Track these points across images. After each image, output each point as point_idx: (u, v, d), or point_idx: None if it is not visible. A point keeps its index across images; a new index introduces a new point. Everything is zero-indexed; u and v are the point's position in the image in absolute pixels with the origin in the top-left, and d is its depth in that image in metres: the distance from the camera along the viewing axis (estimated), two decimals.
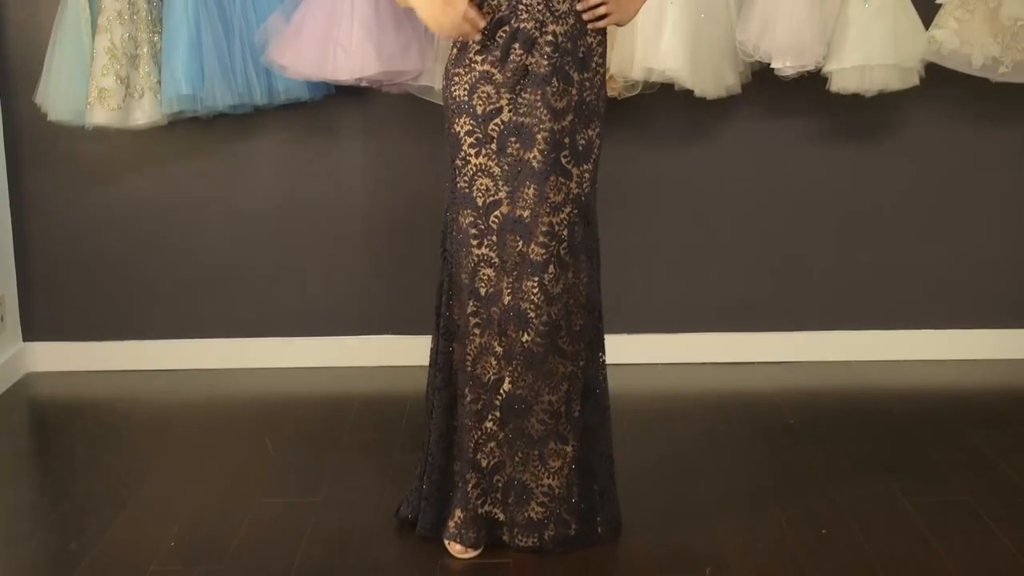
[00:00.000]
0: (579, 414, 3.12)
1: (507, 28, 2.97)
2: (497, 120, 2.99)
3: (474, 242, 3.04)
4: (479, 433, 3.11)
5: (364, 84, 4.03)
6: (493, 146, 3.00)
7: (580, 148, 3.05)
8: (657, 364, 4.51)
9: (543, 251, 3.00)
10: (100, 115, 4.01)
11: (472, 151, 3.02)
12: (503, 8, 2.96)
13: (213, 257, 4.49)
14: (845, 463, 3.65)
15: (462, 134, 3.03)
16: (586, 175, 3.06)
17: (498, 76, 2.99)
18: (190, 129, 4.32)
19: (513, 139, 2.99)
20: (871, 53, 3.96)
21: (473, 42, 2.99)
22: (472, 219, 3.03)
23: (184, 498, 3.48)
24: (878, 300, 4.51)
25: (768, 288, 4.50)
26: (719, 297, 4.51)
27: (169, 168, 4.42)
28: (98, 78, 3.99)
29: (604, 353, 3.21)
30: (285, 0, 4.07)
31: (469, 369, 3.10)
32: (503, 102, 2.99)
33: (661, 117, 4.36)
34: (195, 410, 4.22)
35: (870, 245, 4.47)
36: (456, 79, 3.03)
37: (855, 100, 4.11)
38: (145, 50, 4.06)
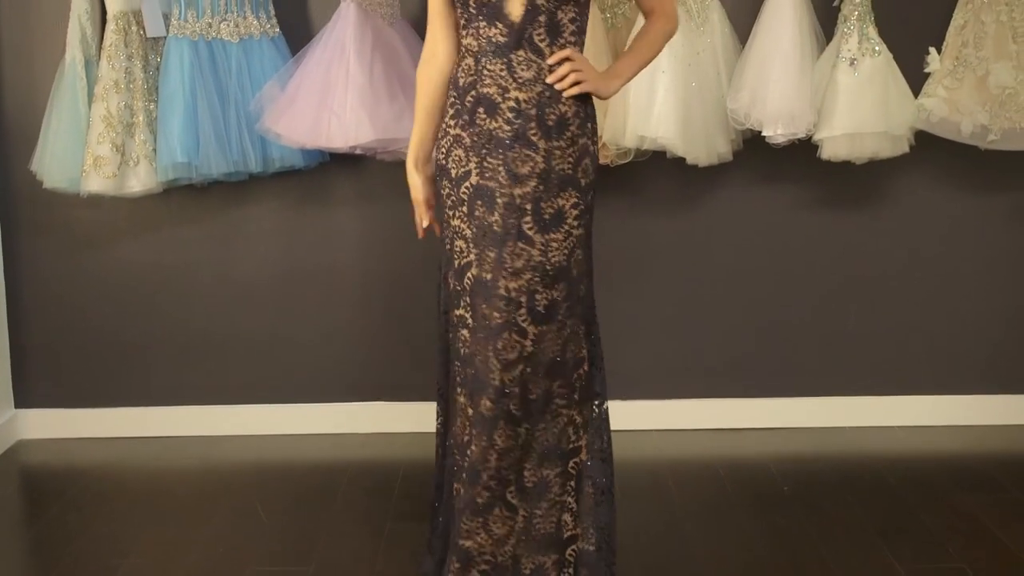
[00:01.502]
0: (533, 484, 3.05)
1: (474, 93, 3.00)
2: (467, 183, 3.01)
3: (455, 302, 3.06)
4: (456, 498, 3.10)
5: (358, 151, 4.06)
6: (464, 208, 3.02)
7: (547, 216, 3.02)
8: (650, 431, 4.49)
9: (499, 316, 3.00)
10: (95, 183, 4.03)
11: (450, 213, 3.06)
12: (471, 73, 3.00)
13: (206, 323, 4.49)
14: (839, 530, 3.63)
15: (444, 196, 3.07)
16: (554, 244, 3.01)
17: (467, 140, 3.01)
18: (185, 196, 4.34)
19: (479, 202, 3.00)
20: (861, 121, 4.00)
21: (448, 107, 3.05)
22: (453, 281, 3.06)
23: (177, 566, 3.46)
24: (871, 366, 4.51)
25: (761, 354, 4.51)
26: (712, 363, 4.52)
27: (163, 235, 4.44)
28: (94, 146, 4.01)
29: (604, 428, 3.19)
30: (280, 68, 4.11)
31: (454, 430, 3.10)
32: (471, 165, 3.01)
33: (653, 184, 4.38)
34: (188, 477, 4.20)
35: (863, 311, 4.48)
36: (438, 143, 3.10)
37: (846, 167, 4.14)
38: (141, 118, 4.09)
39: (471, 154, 3.00)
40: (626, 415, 4.41)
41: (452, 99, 3.06)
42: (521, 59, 2.97)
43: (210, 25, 4.10)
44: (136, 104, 4.09)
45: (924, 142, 4.13)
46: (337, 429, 4.52)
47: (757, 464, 4.18)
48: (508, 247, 2.98)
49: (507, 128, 2.98)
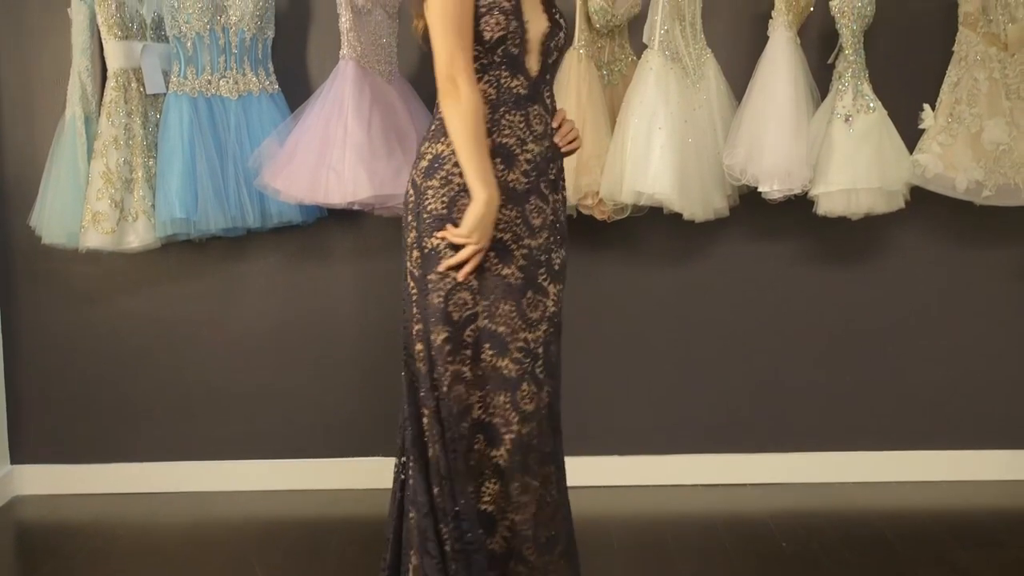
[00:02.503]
0: (546, 540, 3.05)
1: (488, 143, 2.99)
2: None
3: (449, 358, 3.02)
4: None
5: (356, 207, 4.07)
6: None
7: (556, 267, 3.06)
8: (649, 486, 4.47)
9: (517, 368, 2.99)
10: (94, 238, 4.04)
11: (440, 268, 3.02)
12: (487, 122, 2.99)
13: (203, 379, 4.48)
14: None
15: (441, 247, 2.99)
16: (560, 295, 3.07)
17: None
18: (182, 251, 4.35)
19: (492, 253, 2.99)
20: (857, 177, 4.01)
21: (450, 153, 2.97)
22: (447, 335, 3.01)
23: None
24: (870, 421, 4.50)
25: (758, 408, 4.50)
26: (709, 418, 4.51)
27: (161, 290, 4.44)
28: (93, 202, 4.03)
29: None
30: (279, 125, 4.13)
31: (427, 484, 3.05)
32: None
33: (650, 239, 4.39)
34: (183, 533, 4.17)
35: (860, 366, 4.48)
36: (431, 192, 2.98)
37: (842, 223, 4.15)
38: (140, 174, 4.11)
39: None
40: (624, 470, 4.40)
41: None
42: (536, 113, 3.02)
43: (209, 82, 4.13)
44: (135, 160, 4.11)
45: (919, 198, 4.15)
46: (333, 485, 4.50)
47: (756, 520, 4.17)
48: (527, 299, 2.99)
49: (524, 180, 3.00)
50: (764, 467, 4.50)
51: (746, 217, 4.28)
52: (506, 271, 2.99)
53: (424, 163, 3.02)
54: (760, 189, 4.06)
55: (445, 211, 2.97)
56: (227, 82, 4.15)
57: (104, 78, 4.14)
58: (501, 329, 2.99)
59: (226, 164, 4.12)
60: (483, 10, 2.94)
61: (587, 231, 4.18)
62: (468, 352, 3.00)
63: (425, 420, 3.01)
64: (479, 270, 2.98)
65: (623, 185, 4.00)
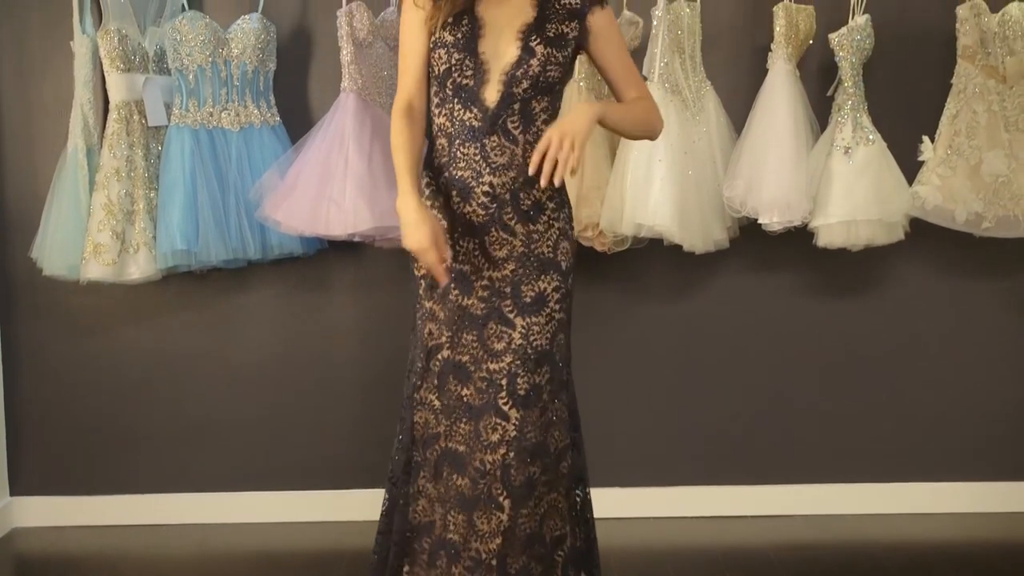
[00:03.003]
0: (515, 572, 3.01)
1: (446, 175, 3.02)
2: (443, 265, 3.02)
3: (418, 383, 3.05)
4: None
5: (357, 239, 4.07)
6: (438, 291, 3.04)
7: (527, 299, 3.05)
8: (648, 518, 4.47)
9: (479, 398, 3.00)
10: (95, 270, 4.04)
11: (424, 295, 3.08)
12: (444, 154, 3.02)
13: (204, 410, 4.48)
14: None
15: (419, 278, 3.09)
16: (535, 328, 3.03)
17: (443, 221, 3.03)
18: (183, 282, 4.35)
19: (454, 285, 3.02)
20: (856, 209, 4.02)
21: (425, 187, 3.05)
22: (421, 362, 3.05)
23: None
24: (870, 452, 4.49)
25: (759, 441, 4.49)
26: (710, 449, 4.50)
27: (162, 321, 4.44)
28: (94, 234, 4.03)
29: (588, 512, 3.20)
30: (280, 157, 4.14)
31: (409, 515, 3.12)
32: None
33: (650, 271, 4.40)
34: (185, 566, 4.16)
35: (861, 397, 4.48)
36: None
37: (842, 254, 4.16)
38: (141, 206, 4.11)
39: (446, 235, 3.02)
40: (624, 502, 4.39)
41: (427, 179, 3.08)
42: (495, 144, 3.01)
43: (211, 114, 4.14)
44: (137, 192, 4.11)
45: (919, 229, 4.16)
46: (335, 517, 4.48)
47: (756, 552, 4.15)
48: (488, 329, 3.00)
49: (481, 212, 3.02)
50: (765, 499, 4.49)
51: (746, 249, 4.28)
52: (467, 301, 3.03)
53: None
54: (760, 221, 4.07)
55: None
56: (229, 114, 4.16)
57: (106, 110, 4.15)
58: (464, 359, 3.01)
59: (227, 196, 4.12)
60: (431, 46, 3.04)
61: (587, 263, 4.18)
62: (435, 381, 3.03)
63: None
64: (443, 300, 3.01)
65: (623, 217, 4.01)
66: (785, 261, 4.38)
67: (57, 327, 4.43)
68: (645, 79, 4.04)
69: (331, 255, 4.34)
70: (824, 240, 4.09)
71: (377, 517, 4.41)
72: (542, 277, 3.06)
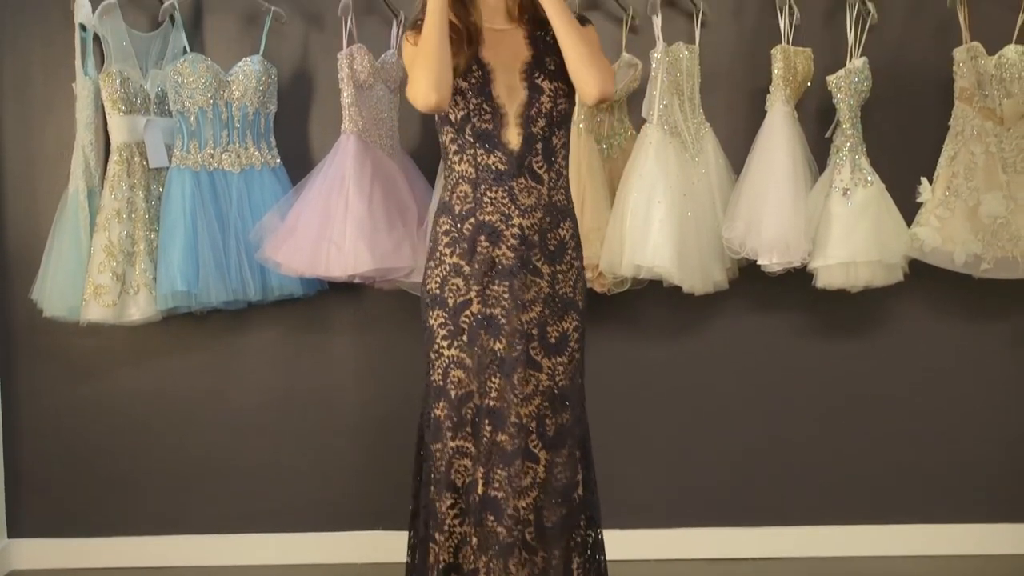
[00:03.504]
0: None
1: (473, 221, 3.03)
2: (467, 312, 3.04)
3: (447, 434, 3.04)
4: None
5: (357, 280, 4.08)
6: (464, 338, 3.04)
7: (552, 341, 3.07)
8: (648, 560, 4.45)
9: (511, 442, 3.00)
10: (95, 311, 4.04)
11: (445, 343, 3.06)
12: (469, 200, 3.03)
13: (204, 451, 4.47)
14: None
15: (435, 327, 3.08)
16: (560, 367, 3.07)
17: (466, 268, 3.04)
18: (183, 323, 4.35)
19: (482, 331, 3.03)
20: (855, 250, 4.03)
21: (443, 235, 3.06)
22: (447, 411, 3.04)
23: None
24: (869, 494, 4.48)
25: (759, 482, 4.48)
26: (709, 491, 4.49)
27: (162, 362, 4.44)
28: (95, 275, 4.03)
29: (598, 553, 3.19)
30: (280, 198, 4.15)
31: (449, 560, 3.08)
32: (472, 294, 3.04)
33: (650, 312, 4.40)
34: None
35: (861, 438, 4.47)
36: (429, 273, 3.11)
37: (841, 295, 4.16)
38: (142, 247, 4.12)
39: (472, 282, 3.03)
40: (624, 544, 4.37)
41: (447, 226, 3.08)
42: (522, 186, 3.04)
43: (212, 156, 4.15)
44: (137, 233, 4.12)
45: (918, 271, 4.16)
46: (335, 559, 4.46)
47: None
48: (518, 373, 3.00)
49: (511, 255, 3.03)
50: (765, 541, 4.47)
51: (745, 290, 4.29)
52: (496, 345, 3.02)
53: (428, 244, 3.16)
54: (759, 262, 4.07)
55: (439, 291, 3.07)
56: (229, 156, 4.18)
57: (107, 152, 4.17)
58: (496, 404, 3.01)
59: (228, 237, 4.13)
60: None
61: (587, 304, 4.18)
62: (469, 429, 3.02)
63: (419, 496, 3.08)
64: (470, 347, 3.00)
65: (623, 258, 4.01)
66: (784, 302, 4.38)
67: (57, 368, 4.43)
68: (644, 121, 4.09)
69: (331, 296, 4.34)
70: (823, 281, 4.10)
71: (380, 559, 4.44)
72: (564, 317, 3.10)
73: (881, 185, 4.10)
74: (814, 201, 4.10)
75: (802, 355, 4.44)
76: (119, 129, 4.11)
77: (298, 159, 4.32)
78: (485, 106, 3.04)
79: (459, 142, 3.07)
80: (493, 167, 3.06)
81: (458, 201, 3.08)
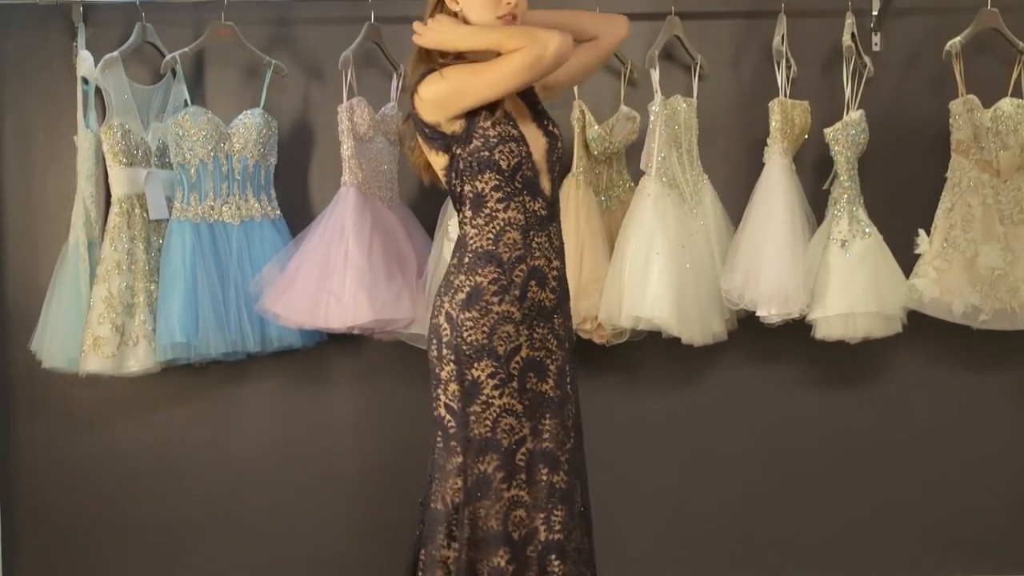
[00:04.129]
0: None
1: (523, 267, 3.08)
2: (517, 357, 3.07)
3: (503, 486, 3.03)
4: None
5: (356, 332, 4.07)
6: (515, 384, 3.06)
7: (571, 376, 3.18)
8: None
9: (567, 480, 3.07)
10: (94, 363, 4.04)
11: (496, 392, 3.06)
12: (519, 247, 3.05)
13: (203, 503, 4.45)
14: None
15: (483, 378, 3.05)
16: (577, 403, 3.19)
17: (517, 314, 3.07)
18: (182, 375, 4.35)
19: (531, 374, 3.08)
20: (854, 301, 4.03)
21: (489, 284, 3.07)
22: (498, 463, 3.04)
23: None
24: (869, 546, 4.46)
25: (757, 533, 4.46)
26: (708, 542, 4.47)
27: (161, 414, 4.43)
28: (94, 327, 4.03)
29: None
30: (280, 250, 4.16)
31: None
32: (522, 339, 3.07)
33: (649, 364, 4.40)
34: None
35: (861, 490, 4.46)
36: (471, 324, 3.06)
37: (840, 346, 4.16)
38: (141, 299, 4.12)
39: (522, 328, 3.07)
40: None
41: (495, 275, 3.08)
42: (555, 231, 3.17)
43: (212, 208, 4.17)
44: (137, 285, 4.12)
45: (917, 322, 4.17)
46: None
47: None
48: (566, 410, 3.11)
49: (552, 297, 3.12)
50: None
51: (744, 341, 4.29)
52: (544, 387, 3.07)
53: (462, 295, 3.09)
54: (758, 313, 4.08)
55: (486, 340, 3.05)
56: (229, 208, 4.19)
57: (108, 204, 4.18)
58: (550, 446, 3.04)
59: (227, 289, 4.13)
60: (495, 140, 3.04)
61: (586, 355, 4.18)
62: (523, 476, 3.02)
63: (449, 561, 3.07)
64: (521, 392, 3.04)
65: (622, 309, 4.02)
66: (783, 353, 4.38)
67: (55, 419, 4.42)
68: (643, 173, 4.11)
69: (330, 348, 4.34)
70: (822, 332, 4.10)
71: None
72: (569, 353, 3.20)
73: (879, 237, 4.12)
74: (812, 253, 4.11)
75: (801, 406, 4.44)
76: (120, 181, 4.12)
77: (298, 211, 4.33)
78: (528, 154, 3.12)
79: (507, 189, 3.10)
80: (537, 213, 3.13)
81: (506, 248, 3.10)
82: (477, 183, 3.11)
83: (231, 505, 4.44)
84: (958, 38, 4.14)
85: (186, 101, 4.20)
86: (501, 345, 3.05)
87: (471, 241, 3.13)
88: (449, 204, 4.05)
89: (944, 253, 4.09)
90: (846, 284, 4.04)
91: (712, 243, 4.18)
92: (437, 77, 3.07)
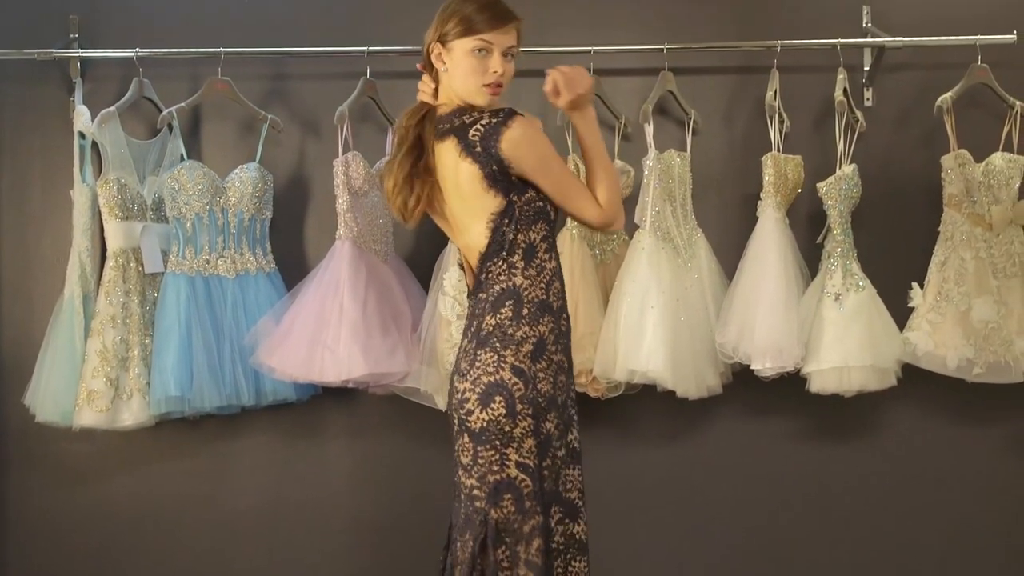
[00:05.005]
0: None
1: (566, 316, 3.18)
2: (567, 406, 3.15)
3: (546, 543, 3.06)
4: None
5: (351, 385, 4.07)
6: (563, 430, 3.12)
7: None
8: None
9: (587, 530, 3.12)
10: (88, 417, 4.02)
11: (558, 444, 3.09)
12: (561, 296, 3.16)
13: (197, 557, 4.42)
14: None
15: (552, 430, 3.07)
16: None
17: (566, 363, 3.16)
18: (176, 428, 4.33)
19: (562, 425, 3.13)
20: (848, 355, 4.04)
21: (549, 334, 3.09)
22: (560, 515, 3.07)
23: None
24: None
25: None
26: None
27: (154, 468, 4.42)
28: (88, 380, 4.03)
29: None
30: (275, 303, 4.16)
31: None
32: (568, 388, 3.17)
33: (644, 417, 4.40)
34: None
35: (857, 543, 4.44)
36: (540, 375, 3.06)
37: (835, 399, 4.16)
38: (136, 352, 4.12)
39: (568, 377, 3.15)
40: None
41: (551, 324, 3.11)
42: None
43: (207, 261, 4.17)
44: (132, 338, 4.12)
45: (912, 375, 4.17)
46: None
47: None
48: (582, 462, 3.19)
49: (568, 345, 3.19)
50: None
51: (739, 394, 4.29)
52: (570, 437, 3.10)
53: (528, 347, 3.07)
54: (753, 367, 4.08)
55: (552, 391, 3.09)
56: (225, 261, 4.19)
57: (103, 257, 4.19)
58: (573, 495, 3.05)
59: (222, 342, 4.13)
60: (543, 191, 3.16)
61: (581, 409, 4.16)
62: (550, 524, 3.08)
63: None
64: (562, 439, 3.09)
65: (616, 363, 4.02)
66: (778, 407, 4.38)
67: (49, 473, 4.40)
68: (637, 226, 4.13)
69: (325, 401, 4.33)
70: (817, 386, 4.10)
71: None
72: None
73: (872, 290, 4.13)
74: (806, 306, 4.12)
75: (797, 460, 4.43)
76: (115, 235, 4.13)
77: (294, 265, 4.34)
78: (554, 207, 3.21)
79: (550, 240, 3.18)
80: (559, 264, 3.24)
81: (555, 298, 3.15)
82: (530, 232, 3.13)
83: (225, 559, 4.42)
84: (949, 93, 4.17)
85: (182, 155, 4.21)
86: (560, 395, 3.09)
87: (525, 292, 3.11)
88: (444, 257, 4.06)
89: (938, 306, 4.10)
90: (840, 337, 4.05)
91: (706, 296, 4.19)
92: (540, 127, 3.15)
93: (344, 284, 4.02)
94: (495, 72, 3.13)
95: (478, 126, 3.10)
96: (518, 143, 3.07)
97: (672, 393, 4.09)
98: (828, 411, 4.31)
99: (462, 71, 3.13)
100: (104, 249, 4.18)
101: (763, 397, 4.33)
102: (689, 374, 4.08)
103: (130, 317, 4.13)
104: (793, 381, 4.13)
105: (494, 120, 3.08)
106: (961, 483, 4.45)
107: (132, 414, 4.09)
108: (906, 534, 4.45)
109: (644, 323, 4.02)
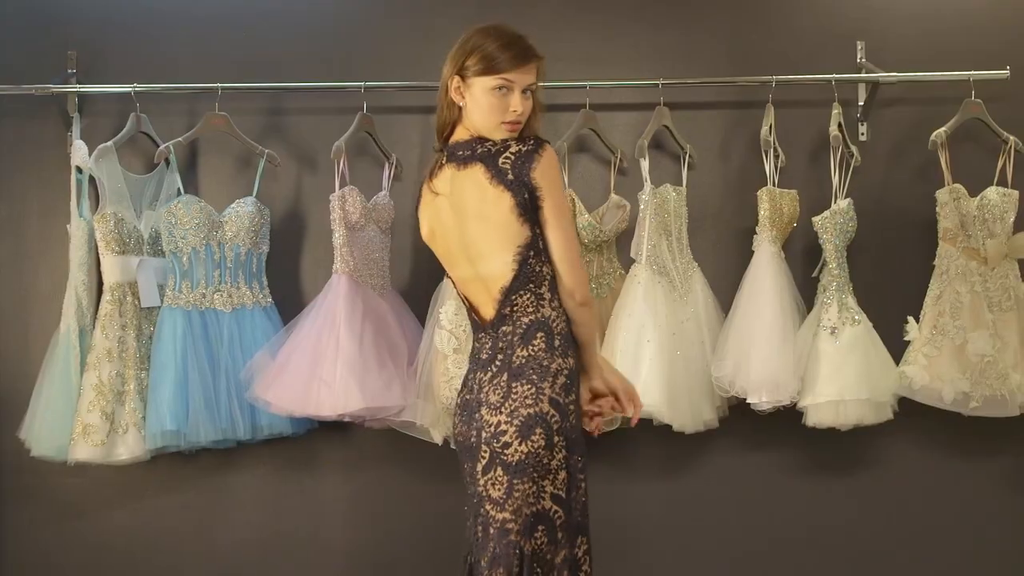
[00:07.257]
0: None
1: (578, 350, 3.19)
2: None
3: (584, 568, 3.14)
4: None
5: (347, 420, 4.06)
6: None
7: None
8: None
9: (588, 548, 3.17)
10: (83, 451, 4.01)
11: (581, 476, 3.11)
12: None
13: None
14: None
15: (580, 461, 3.10)
16: None
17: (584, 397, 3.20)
18: (172, 462, 4.33)
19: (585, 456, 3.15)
20: (844, 388, 4.04)
21: (575, 365, 3.13)
22: (587, 546, 3.16)
23: None
24: None
25: None
26: None
27: (150, 502, 4.41)
28: (84, 414, 4.02)
29: None
30: (272, 337, 4.16)
31: None
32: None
33: (640, 451, 4.39)
34: None
35: None
36: (571, 407, 3.09)
37: (832, 433, 4.15)
38: (132, 386, 4.11)
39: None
40: None
41: (576, 357, 3.17)
42: None
43: (204, 295, 4.17)
44: (128, 372, 4.12)
45: (908, 409, 4.17)
46: None
47: None
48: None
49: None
50: None
51: (736, 428, 4.28)
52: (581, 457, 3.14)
53: (562, 380, 3.06)
54: (749, 400, 4.08)
55: (578, 423, 3.13)
56: (221, 295, 4.20)
57: (100, 292, 4.19)
58: (580, 518, 3.15)
59: (218, 377, 4.13)
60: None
61: None
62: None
63: None
64: (583, 474, 3.12)
65: None
66: (775, 441, 4.38)
67: (44, 508, 4.39)
68: (633, 261, 4.13)
69: (321, 435, 4.32)
70: (813, 420, 4.10)
71: None
72: None
73: (868, 324, 4.13)
74: (802, 340, 4.12)
75: (793, 494, 4.42)
76: (112, 269, 4.14)
77: (290, 299, 4.34)
78: None
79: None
80: None
81: (575, 331, 3.18)
82: (552, 264, 3.15)
83: None
84: (943, 128, 4.19)
85: (179, 189, 4.22)
86: (583, 427, 3.15)
87: (554, 324, 3.11)
88: (441, 291, 4.07)
89: (933, 340, 4.11)
90: (836, 371, 4.05)
91: (703, 330, 4.19)
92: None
93: (340, 318, 4.02)
94: (515, 111, 3.12)
95: (508, 154, 3.08)
96: (546, 171, 3.08)
97: (668, 427, 4.09)
98: (824, 445, 4.31)
99: (481, 108, 3.12)
100: (100, 283, 4.19)
101: (759, 431, 4.33)
102: (685, 408, 4.08)
103: (126, 351, 4.12)
104: (789, 415, 4.13)
105: (525, 148, 3.07)
106: (958, 516, 4.44)
107: (128, 448, 4.09)
108: (904, 568, 4.43)
109: (640, 357, 4.02)
